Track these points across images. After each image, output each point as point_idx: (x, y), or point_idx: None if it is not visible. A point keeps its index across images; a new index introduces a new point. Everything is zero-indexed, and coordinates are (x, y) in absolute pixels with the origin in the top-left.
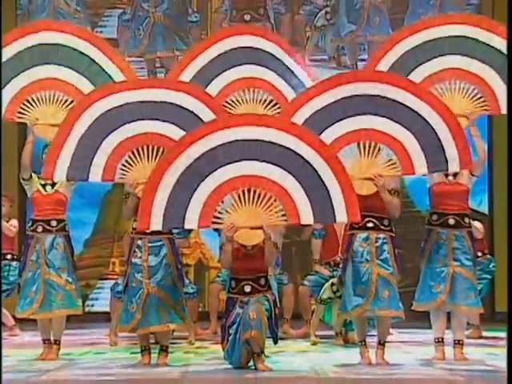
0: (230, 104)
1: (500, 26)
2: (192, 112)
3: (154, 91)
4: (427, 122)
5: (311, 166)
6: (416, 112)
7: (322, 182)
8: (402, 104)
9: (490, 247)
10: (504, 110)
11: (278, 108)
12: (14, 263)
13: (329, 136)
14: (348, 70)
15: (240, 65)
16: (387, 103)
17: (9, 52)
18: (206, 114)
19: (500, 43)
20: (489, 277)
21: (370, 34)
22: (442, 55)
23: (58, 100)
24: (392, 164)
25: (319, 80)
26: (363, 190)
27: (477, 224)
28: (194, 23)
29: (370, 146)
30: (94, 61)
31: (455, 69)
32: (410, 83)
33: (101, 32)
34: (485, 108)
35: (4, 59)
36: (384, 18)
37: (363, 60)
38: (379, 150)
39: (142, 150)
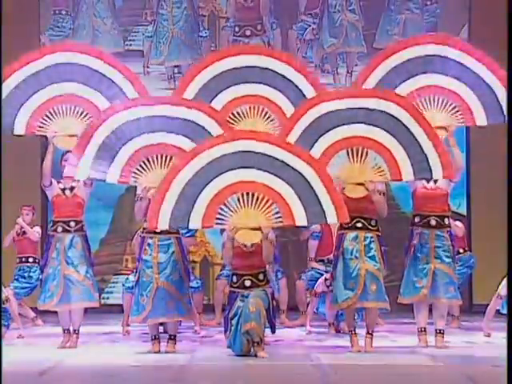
0: (231, 118)
1: (474, 49)
2: (198, 124)
3: (168, 107)
4: (412, 133)
5: (301, 175)
6: (402, 123)
7: (312, 188)
8: (389, 115)
9: (468, 245)
10: (478, 122)
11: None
12: (35, 266)
13: (325, 142)
14: (328, 75)
15: (245, 82)
16: (377, 114)
17: (27, 71)
18: (214, 128)
19: (472, 62)
20: (469, 271)
21: (347, 47)
22: (422, 73)
23: (73, 113)
24: (381, 170)
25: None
26: (355, 193)
27: (458, 224)
28: (204, 38)
29: (361, 153)
30: (104, 75)
31: (434, 86)
32: (398, 97)
33: (130, 45)
34: (461, 121)
35: (23, 77)
36: (359, 34)
37: (343, 67)
38: (367, 155)
39: (156, 158)
